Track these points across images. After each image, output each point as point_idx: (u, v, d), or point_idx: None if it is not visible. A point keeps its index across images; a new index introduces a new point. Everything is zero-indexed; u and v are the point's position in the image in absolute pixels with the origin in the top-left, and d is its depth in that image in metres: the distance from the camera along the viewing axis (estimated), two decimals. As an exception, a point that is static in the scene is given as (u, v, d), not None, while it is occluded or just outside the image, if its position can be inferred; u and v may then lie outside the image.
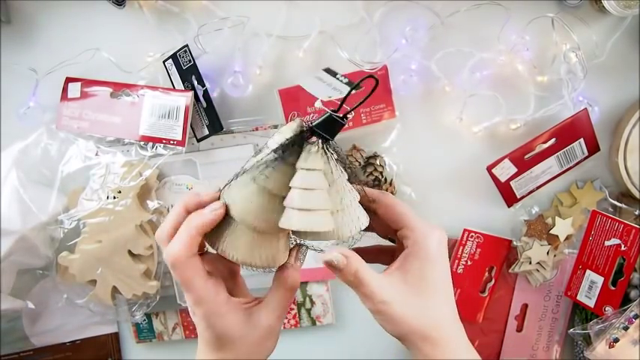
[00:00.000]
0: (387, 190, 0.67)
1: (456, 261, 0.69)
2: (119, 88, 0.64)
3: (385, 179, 0.67)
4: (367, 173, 0.67)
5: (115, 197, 0.64)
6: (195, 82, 0.63)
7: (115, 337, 0.72)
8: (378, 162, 0.66)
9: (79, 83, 0.64)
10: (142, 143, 0.64)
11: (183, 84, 0.63)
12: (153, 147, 0.64)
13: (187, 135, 0.63)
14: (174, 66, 0.63)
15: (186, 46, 0.62)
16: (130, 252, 0.65)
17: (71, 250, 0.66)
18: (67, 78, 0.64)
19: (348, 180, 0.43)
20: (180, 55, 0.63)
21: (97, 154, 0.65)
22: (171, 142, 0.63)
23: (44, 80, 0.65)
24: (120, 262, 0.65)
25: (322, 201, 0.38)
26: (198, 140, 0.65)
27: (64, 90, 0.64)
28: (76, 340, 0.71)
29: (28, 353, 0.71)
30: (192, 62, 0.63)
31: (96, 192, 0.65)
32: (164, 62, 0.63)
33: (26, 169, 0.65)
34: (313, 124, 0.39)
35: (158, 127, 0.63)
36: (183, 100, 0.62)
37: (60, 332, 0.71)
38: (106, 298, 0.67)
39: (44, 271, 0.67)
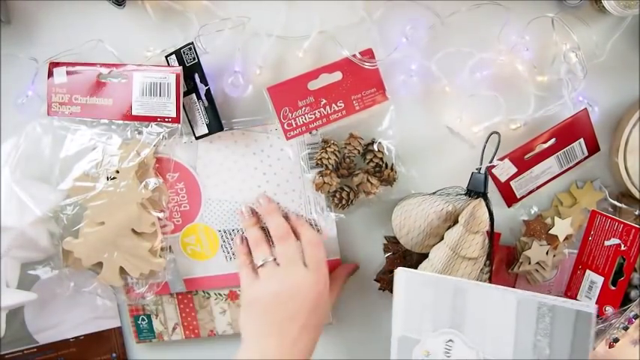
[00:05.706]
0: (388, 175, 0.66)
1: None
2: (105, 67, 0.63)
3: (386, 164, 0.66)
4: (367, 160, 0.66)
5: (114, 178, 0.64)
6: (198, 81, 0.64)
7: (118, 332, 0.72)
8: (376, 148, 0.66)
9: (63, 67, 0.63)
10: (136, 123, 0.64)
11: (186, 81, 0.64)
12: (147, 126, 0.64)
13: (181, 111, 0.63)
14: (177, 62, 0.63)
15: (192, 43, 0.62)
16: (133, 231, 0.65)
17: (75, 235, 0.66)
18: (50, 63, 0.64)
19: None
20: (184, 52, 0.63)
21: (92, 139, 0.65)
22: (166, 119, 0.63)
23: (43, 71, 0.64)
24: (124, 242, 0.65)
25: None
26: (197, 138, 0.65)
27: (50, 76, 0.64)
28: (79, 336, 0.72)
29: (32, 350, 0.71)
30: (197, 60, 0.63)
31: (94, 175, 0.65)
32: (166, 57, 0.63)
33: (21, 164, 0.65)
34: None
35: (151, 106, 0.63)
36: (172, 76, 0.62)
37: (63, 328, 0.71)
38: (114, 279, 0.66)
39: (45, 264, 0.67)
